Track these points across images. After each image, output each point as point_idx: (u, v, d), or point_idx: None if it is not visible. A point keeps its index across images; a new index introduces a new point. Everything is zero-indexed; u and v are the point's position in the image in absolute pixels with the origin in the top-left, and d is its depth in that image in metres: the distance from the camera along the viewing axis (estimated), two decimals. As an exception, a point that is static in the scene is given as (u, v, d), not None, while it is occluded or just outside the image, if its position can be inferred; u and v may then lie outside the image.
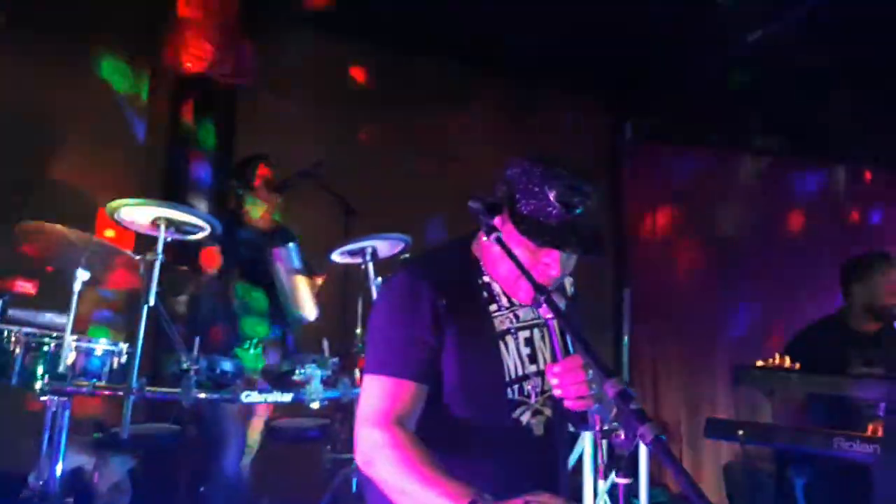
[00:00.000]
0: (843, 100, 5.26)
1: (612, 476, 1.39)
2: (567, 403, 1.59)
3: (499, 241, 1.66)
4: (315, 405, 3.03)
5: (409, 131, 5.18)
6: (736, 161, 6.49)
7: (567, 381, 1.57)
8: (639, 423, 1.23)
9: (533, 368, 1.79)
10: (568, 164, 1.68)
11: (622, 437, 1.27)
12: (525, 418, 1.77)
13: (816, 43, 4.62)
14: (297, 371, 3.09)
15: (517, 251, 1.66)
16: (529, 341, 1.81)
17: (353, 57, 5.13)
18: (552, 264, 1.69)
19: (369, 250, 3.37)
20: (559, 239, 1.64)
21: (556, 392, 1.59)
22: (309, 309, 3.58)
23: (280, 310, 3.61)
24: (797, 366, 3.07)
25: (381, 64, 5.22)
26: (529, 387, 1.78)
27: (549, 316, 1.59)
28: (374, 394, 1.67)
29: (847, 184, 6.87)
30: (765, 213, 6.49)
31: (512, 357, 1.77)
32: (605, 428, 1.39)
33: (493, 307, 1.80)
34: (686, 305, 6.09)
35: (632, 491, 1.33)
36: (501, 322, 1.79)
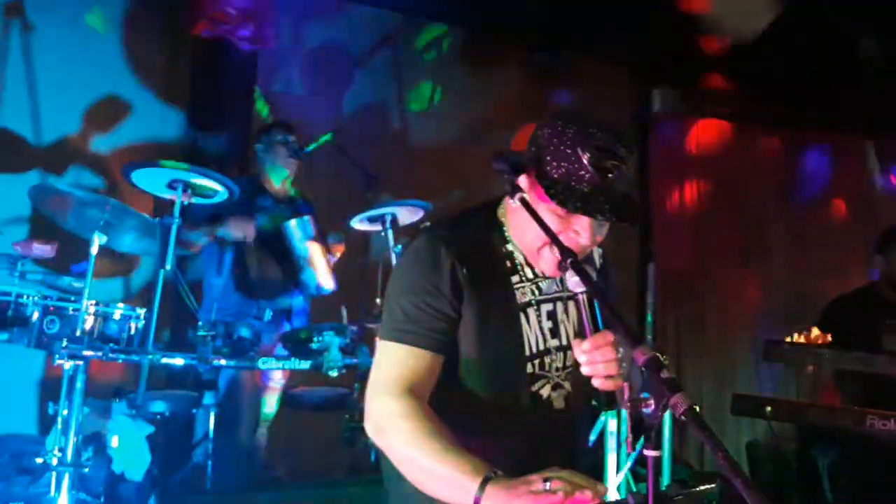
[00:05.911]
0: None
1: (638, 449, 1.31)
2: (595, 383, 1.48)
3: (524, 202, 1.56)
4: (333, 373, 2.98)
5: (431, 99, 5.09)
6: (764, 134, 6.33)
7: (596, 360, 1.46)
8: (670, 392, 1.15)
9: (554, 343, 1.72)
10: (603, 125, 1.55)
11: (651, 407, 1.18)
12: (545, 392, 1.70)
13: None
14: (314, 339, 3.04)
15: (545, 217, 1.55)
16: (552, 315, 1.73)
17: (374, 24, 5.03)
18: (582, 232, 1.58)
19: (389, 217, 3.33)
20: (591, 205, 1.52)
21: (585, 370, 1.49)
22: (325, 279, 3.53)
23: (297, 277, 3.57)
24: (828, 339, 2.98)
25: (403, 30, 5.12)
26: (550, 361, 1.71)
27: (580, 290, 1.47)
28: (388, 361, 1.61)
29: (879, 158, 6.68)
30: (793, 187, 6.34)
31: (533, 330, 1.69)
32: (634, 398, 1.29)
33: (516, 278, 1.71)
34: (711, 281, 5.98)
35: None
36: (523, 294, 1.71)
